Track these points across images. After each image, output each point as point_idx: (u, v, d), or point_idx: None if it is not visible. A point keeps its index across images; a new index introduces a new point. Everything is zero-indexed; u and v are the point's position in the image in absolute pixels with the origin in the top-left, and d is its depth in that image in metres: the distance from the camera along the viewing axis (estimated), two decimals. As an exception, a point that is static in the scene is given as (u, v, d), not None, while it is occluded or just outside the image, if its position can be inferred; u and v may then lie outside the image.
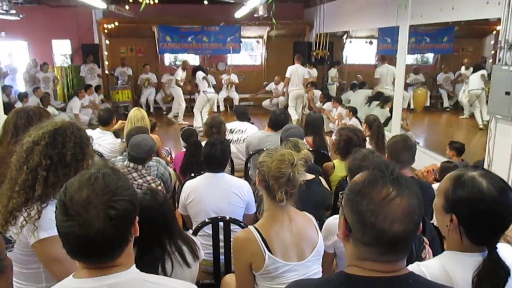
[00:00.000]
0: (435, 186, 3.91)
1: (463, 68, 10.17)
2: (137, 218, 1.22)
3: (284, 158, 1.97)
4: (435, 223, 3.71)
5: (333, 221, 2.30)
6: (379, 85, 9.44)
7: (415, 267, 1.38)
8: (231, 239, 2.66)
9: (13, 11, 7.95)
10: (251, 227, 1.99)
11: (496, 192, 1.30)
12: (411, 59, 12.37)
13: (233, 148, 4.34)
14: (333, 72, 11.46)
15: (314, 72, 11.38)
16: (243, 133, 4.84)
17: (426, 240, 2.14)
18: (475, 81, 8.49)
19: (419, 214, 1.10)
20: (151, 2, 7.64)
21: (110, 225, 1.11)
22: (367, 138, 4.18)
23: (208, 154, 2.94)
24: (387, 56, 10.10)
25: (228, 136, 4.56)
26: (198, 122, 9.16)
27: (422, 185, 3.00)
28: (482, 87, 8.39)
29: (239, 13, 9.47)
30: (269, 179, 1.94)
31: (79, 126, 1.78)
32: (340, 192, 1.23)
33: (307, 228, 2.04)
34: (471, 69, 9.13)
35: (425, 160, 5.54)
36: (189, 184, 2.95)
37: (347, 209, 1.13)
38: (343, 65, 12.15)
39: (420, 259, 1.80)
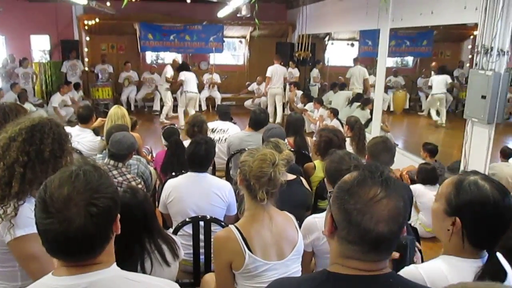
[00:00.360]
0: (413, 187, 4.00)
1: (432, 73, 10.37)
2: (119, 215, 1.21)
3: (265, 157, 1.98)
4: (413, 224, 3.79)
5: (312, 220, 2.32)
6: (350, 85, 9.84)
7: (413, 269, 1.42)
8: (211, 239, 2.68)
9: (-9, 5, 7.78)
10: (231, 226, 1.99)
11: (499, 195, 1.34)
12: (391, 62, 12.56)
13: (214, 147, 4.33)
14: (315, 72, 11.55)
15: (296, 72, 11.46)
16: (224, 133, 4.83)
17: (418, 245, 2.19)
18: (438, 85, 8.71)
19: (404, 217, 1.13)
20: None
21: (91, 222, 1.10)
22: (348, 140, 4.23)
23: (192, 153, 2.92)
24: (359, 58, 10.53)
25: (210, 135, 4.55)
26: (181, 121, 9.15)
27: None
28: (444, 91, 8.64)
29: (222, 13, 9.46)
30: (251, 179, 1.95)
31: (57, 122, 1.76)
32: (329, 191, 1.23)
33: (287, 228, 2.05)
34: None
35: (404, 161, 5.63)
36: (171, 183, 2.94)
37: (334, 206, 1.15)
38: (323, 66, 12.25)
39: (413, 262, 1.83)
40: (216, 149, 4.58)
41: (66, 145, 1.75)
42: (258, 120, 4.37)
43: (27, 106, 8.62)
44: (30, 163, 1.61)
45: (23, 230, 1.56)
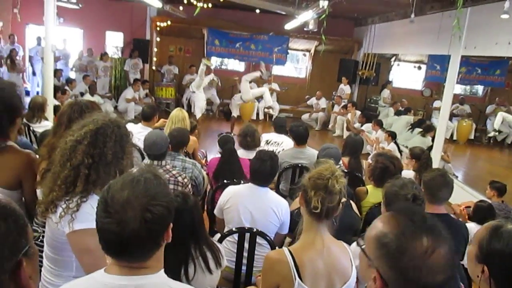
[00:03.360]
0: (469, 225, 3.80)
1: None
2: (171, 224, 1.26)
3: (327, 167, 1.93)
4: (465, 264, 3.59)
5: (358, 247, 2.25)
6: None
7: None
8: (255, 252, 2.69)
9: (74, 0, 8.33)
10: (285, 249, 1.93)
11: None
12: (459, 88, 12.07)
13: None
14: (385, 93, 11.22)
15: (347, 88, 11.28)
16: (278, 146, 4.84)
17: (462, 285, 2.09)
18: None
19: (454, 258, 1.10)
20: (205, 6, 7.81)
21: (145, 227, 1.16)
22: (412, 172, 4.01)
23: (258, 170, 2.92)
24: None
25: (264, 147, 4.58)
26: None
27: (456, 224, 2.92)
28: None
29: (289, 25, 9.53)
30: (307, 185, 1.89)
31: (119, 123, 1.83)
32: (358, 239, 1.15)
33: (342, 259, 1.94)
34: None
35: (462, 195, 5.37)
36: (231, 190, 2.96)
37: (382, 264, 1.09)
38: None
39: None
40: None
41: (127, 146, 1.83)
42: (299, 135, 4.36)
43: (96, 98, 9.13)
44: (94, 165, 1.71)
45: (82, 224, 1.65)
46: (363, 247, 1.16)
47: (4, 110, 2.08)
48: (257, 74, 10.35)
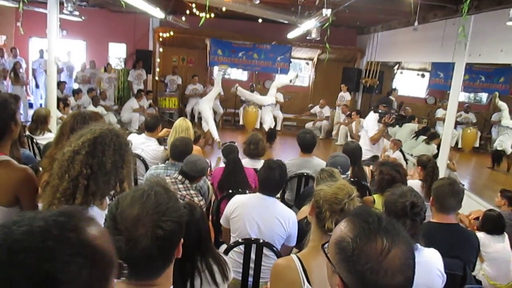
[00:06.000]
0: (479, 235, 3.72)
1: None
2: (182, 240, 1.22)
3: (343, 187, 1.93)
4: (477, 276, 3.52)
5: None
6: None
7: None
8: (262, 262, 2.64)
9: (76, 13, 8.36)
10: (293, 255, 1.93)
11: None
12: (462, 96, 12.02)
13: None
14: None
15: (347, 95, 11.29)
16: None
17: None
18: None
19: (413, 258, 1.07)
20: (208, 16, 7.83)
21: (156, 245, 1.11)
22: (418, 182, 3.94)
23: (267, 179, 2.88)
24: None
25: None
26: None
27: (466, 234, 2.86)
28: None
29: (292, 34, 9.54)
30: (323, 205, 1.89)
31: (118, 132, 1.79)
32: (323, 245, 1.12)
33: None
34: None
35: (468, 204, 5.29)
36: (238, 199, 2.92)
37: (341, 269, 1.07)
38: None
39: None
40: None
41: (127, 155, 1.78)
42: (306, 143, 4.30)
43: (99, 109, 9.15)
44: (93, 175, 1.66)
45: None
46: (327, 252, 1.14)
47: None
48: (286, 81, 10.49)
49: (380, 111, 5.78)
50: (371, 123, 5.88)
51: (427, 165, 4.01)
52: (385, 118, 5.69)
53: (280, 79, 10.89)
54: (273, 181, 2.87)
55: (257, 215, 2.80)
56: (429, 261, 2.10)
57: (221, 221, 3.00)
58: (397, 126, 9.00)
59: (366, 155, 5.39)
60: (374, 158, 5.58)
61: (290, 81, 11.02)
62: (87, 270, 0.74)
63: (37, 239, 0.71)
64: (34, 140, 4.58)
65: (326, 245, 1.17)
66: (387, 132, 8.19)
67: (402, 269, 1.03)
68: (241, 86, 10.23)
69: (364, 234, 1.05)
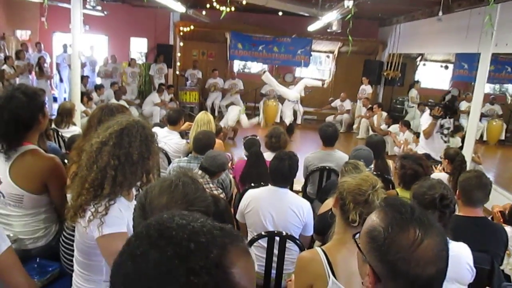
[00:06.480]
0: (507, 229, 3.63)
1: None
2: None
3: (367, 179, 1.92)
4: (505, 270, 3.45)
5: None
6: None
7: None
8: (285, 255, 2.64)
9: (99, 8, 8.47)
10: (317, 248, 1.92)
11: None
12: (487, 87, 11.75)
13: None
14: (413, 92, 10.96)
15: (368, 88, 11.14)
16: None
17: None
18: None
19: (447, 250, 1.06)
20: (228, 10, 7.82)
21: None
22: (445, 175, 3.86)
23: (276, 169, 2.90)
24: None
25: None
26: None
27: (494, 227, 2.80)
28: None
29: (313, 27, 9.46)
30: (347, 196, 1.88)
31: (144, 123, 1.81)
32: (354, 235, 1.10)
33: None
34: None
35: (494, 197, 5.17)
36: (251, 193, 2.94)
37: (372, 258, 1.07)
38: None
39: None
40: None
41: (153, 146, 1.80)
42: (328, 136, 4.26)
43: (121, 103, 9.25)
44: (120, 166, 1.68)
45: (111, 229, 1.63)
46: (358, 242, 1.14)
47: (11, 119, 2.09)
48: (319, 83, 10.44)
49: (429, 103, 6.00)
50: (424, 118, 6.12)
51: (455, 159, 3.92)
52: (433, 110, 5.82)
53: (313, 81, 10.75)
54: (282, 172, 2.87)
55: (271, 206, 2.81)
56: (459, 255, 2.07)
57: (237, 216, 3.01)
58: (419, 116, 8.89)
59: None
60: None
61: (323, 84, 10.91)
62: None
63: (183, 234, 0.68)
64: (60, 133, 4.67)
65: (357, 235, 1.16)
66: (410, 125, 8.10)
67: (434, 260, 1.02)
68: (260, 80, 10.17)
69: (396, 223, 1.05)
